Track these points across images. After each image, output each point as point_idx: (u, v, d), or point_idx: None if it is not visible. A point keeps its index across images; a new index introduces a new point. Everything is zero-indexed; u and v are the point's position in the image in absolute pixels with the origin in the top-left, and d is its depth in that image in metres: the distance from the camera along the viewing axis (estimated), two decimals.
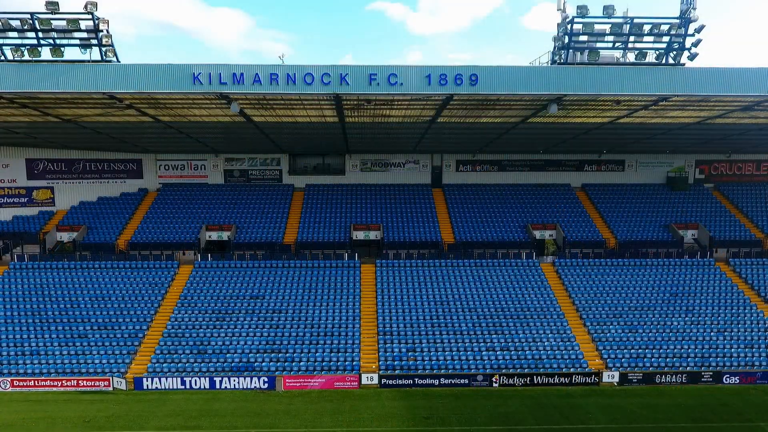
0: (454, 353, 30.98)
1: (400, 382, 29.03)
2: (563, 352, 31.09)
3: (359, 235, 42.79)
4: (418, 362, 30.37)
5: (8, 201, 45.39)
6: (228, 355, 30.97)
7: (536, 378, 29.09)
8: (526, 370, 29.91)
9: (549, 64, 30.48)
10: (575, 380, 29.08)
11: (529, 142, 43.22)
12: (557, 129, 36.76)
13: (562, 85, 27.23)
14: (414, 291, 36.28)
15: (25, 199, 45.85)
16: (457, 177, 49.39)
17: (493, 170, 49.37)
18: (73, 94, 27.66)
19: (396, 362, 30.37)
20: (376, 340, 32.34)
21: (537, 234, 42.54)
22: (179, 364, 30.28)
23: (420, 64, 26.84)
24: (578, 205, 46.41)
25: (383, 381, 29.05)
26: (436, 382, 29.01)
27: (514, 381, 29.08)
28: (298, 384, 28.83)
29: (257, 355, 31.02)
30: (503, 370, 29.85)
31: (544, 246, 44.34)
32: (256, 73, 26.65)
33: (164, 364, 30.30)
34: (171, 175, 49.15)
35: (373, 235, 43.05)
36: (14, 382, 28.93)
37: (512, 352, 31.14)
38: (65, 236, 43.09)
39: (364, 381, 29.03)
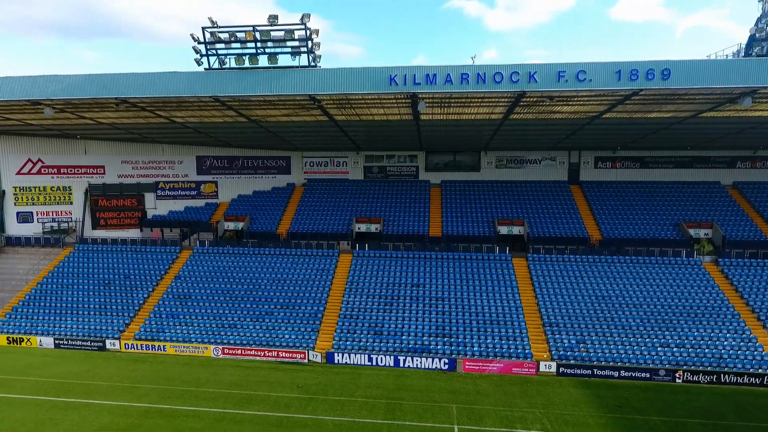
0: (627, 347, 31.15)
1: (578, 371, 29.74)
2: (746, 352, 30.21)
3: (503, 229, 43.78)
4: (591, 354, 30.89)
5: (181, 193, 51.26)
6: (404, 337, 33.26)
7: (723, 376, 28.58)
8: (708, 368, 29.47)
9: (739, 57, 29.80)
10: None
11: (683, 138, 42.02)
12: (729, 123, 35.60)
13: (762, 78, 26.62)
14: (571, 285, 36.71)
15: (195, 192, 51.53)
16: (595, 174, 48.94)
17: (635, 167, 48.38)
18: (280, 97, 31.19)
19: (568, 353, 31.10)
20: (543, 331, 33.24)
21: (692, 232, 41.23)
22: (361, 343, 32.99)
23: (610, 60, 27.37)
24: (732, 204, 44.34)
25: (561, 369, 29.91)
26: (616, 374, 29.39)
27: (698, 378, 28.79)
28: (477, 367, 30.43)
29: (430, 338, 33.05)
30: (684, 367, 29.61)
31: (695, 245, 42.84)
32: (448, 74, 28.58)
33: (347, 342, 33.15)
34: (315, 171, 52.98)
35: (516, 230, 43.88)
36: (224, 350, 33.04)
37: (689, 350, 30.74)
38: (232, 225, 48.02)
39: (542, 369, 30.06)
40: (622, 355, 30.65)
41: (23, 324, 37.05)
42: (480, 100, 30.91)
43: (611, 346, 31.34)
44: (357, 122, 37.61)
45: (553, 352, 31.26)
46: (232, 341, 33.77)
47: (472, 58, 29.35)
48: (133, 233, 49.75)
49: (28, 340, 35.49)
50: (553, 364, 30.13)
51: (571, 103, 31.27)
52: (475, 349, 31.91)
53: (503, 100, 30.81)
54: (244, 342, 33.66)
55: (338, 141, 46.62)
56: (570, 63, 27.60)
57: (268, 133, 42.70)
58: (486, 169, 50.36)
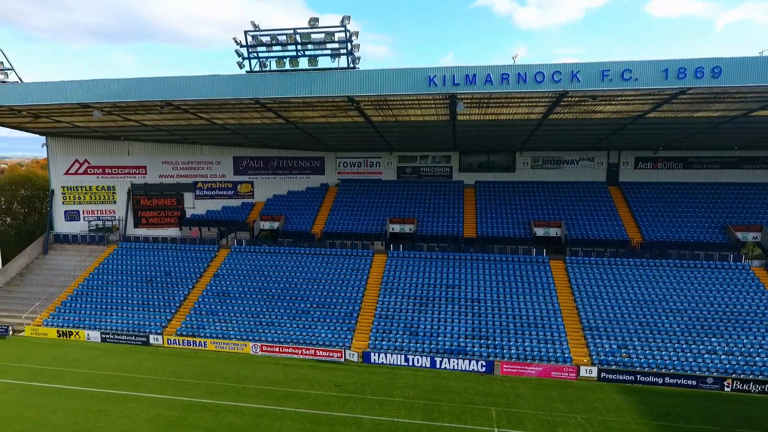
0: (671, 354, 30.23)
1: (620, 377, 29.04)
2: None
3: (539, 231, 43.12)
4: (633, 360, 30.13)
5: (219, 193, 52.45)
6: (440, 338, 33.17)
7: None
8: (759, 377, 28.33)
9: None
10: None
11: (730, 137, 40.50)
12: None
13: None
14: (612, 289, 35.87)
15: (232, 191, 52.63)
16: (635, 175, 47.68)
17: (677, 167, 46.91)
18: (319, 98, 31.55)
19: (609, 358, 30.40)
20: (582, 335, 32.60)
21: (739, 235, 39.66)
22: (397, 343, 33.07)
23: (656, 59, 26.71)
24: None
25: (602, 375, 29.27)
26: (660, 381, 28.56)
27: (749, 387, 27.70)
28: (515, 370, 30.10)
29: (466, 340, 32.85)
30: (733, 375, 28.55)
31: (742, 249, 41.22)
32: (488, 74, 28.35)
33: (383, 342, 33.28)
34: (348, 172, 53.33)
35: (553, 231, 43.16)
36: (263, 347, 33.66)
37: (738, 357, 29.60)
38: (267, 225, 48.85)
39: (582, 373, 29.50)
40: (667, 362, 29.76)
41: (72, 318, 38.62)
42: (519, 100, 30.55)
43: (655, 352, 30.47)
44: (393, 123, 37.71)
45: (593, 357, 30.61)
46: (270, 339, 34.36)
47: (513, 57, 29.05)
48: (173, 232, 51.18)
49: (77, 333, 36.97)
50: (594, 369, 29.51)
51: (614, 102, 30.57)
52: (512, 351, 31.55)
53: (544, 100, 30.36)
54: (282, 340, 34.21)
55: (372, 141, 46.85)
56: (614, 62, 27.01)
57: (304, 134, 43.24)
58: (521, 169, 49.69)
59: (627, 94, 28.68)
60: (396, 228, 45.95)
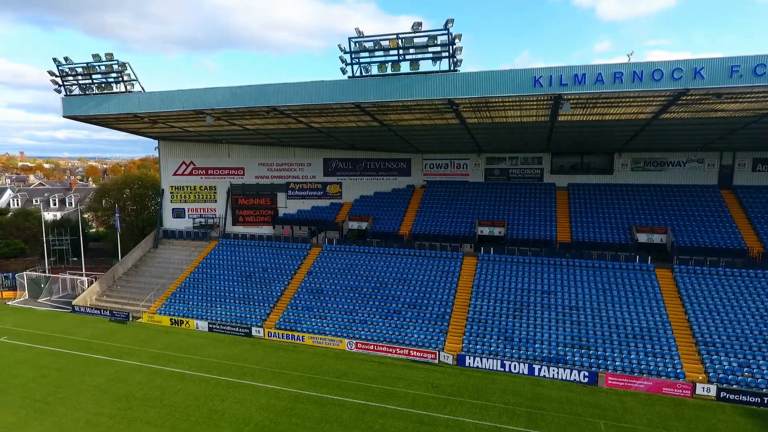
0: None
1: (743, 398, 26.66)
2: None
3: (642, 237, 40.65)
4: (758, 380, 27.53)
5: (309, 194, 54.59)
6: (536, 345, 32.28)
7: None
8: None
9: None
10: None
11: None
12: None
13: None
14: (729, 302, 33.01)
15: (321, 192, 54.57)
16: (753, 178, 43.57)
17: None
18: (418, 102, 31.85)
19: (730, 376, 28.00)
20: (696, 350, 30.28)
21: None
22: (492, 348, 32.60)
23: None
24: None
25: (722, 394, 27.01)
26: None
27: None
28: (621, 383, 28.58)
29: (565, 348, 31.69)
30: None
31: None
32: (599, 73, 27.19)
33: (477, 346, 32.93)
34: (434, 173, 53.38)
35: (657, 238, 40.51)
36: (357, 344, 34.56)
37: None
38: (356, 224, 50.09)
39: (698, 391, 27.42)
40: None
41: (181, 308, 41.89)
42: (631, 99, 28.98)
43: None
44: (486, 124, 37.23)
45: (711, 374, 28.32)
46: (364, 336, 35.20)
47: (628, 55, 27.61)
48: (266, 230, 53.98)
49: (187, 322, 40.04)
50: (713, 387, 27.29)
51: (740, 100, 28.10)
52: (617, 363, 29.98)
53: (659, 99, 28.58)
54: (375, 338, 34.92)
55: (461, 143, 46.53)
56: (745, 56, 24.91)
57: (395, 136, 43.87)
58: (620, 171, 47.10)
59: (758, 91, 26.28)
60: (485, 230, 45.30)
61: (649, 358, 29.94)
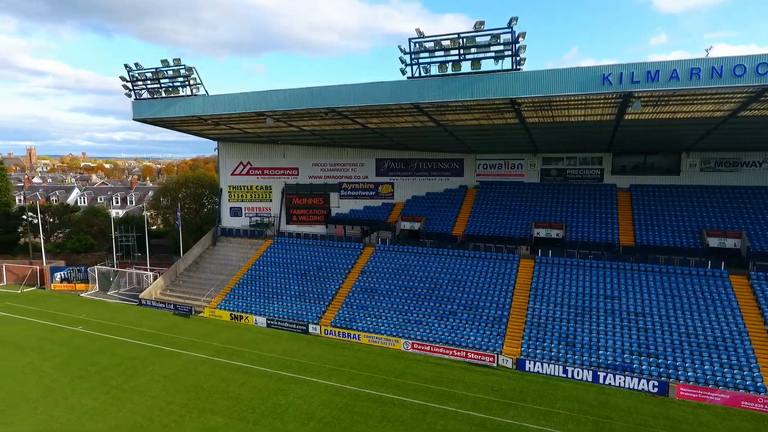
0: None
1: None
2: None
3: (713, 241, 38.51)
4: None
5: (362, 194, 55.04)
6: (600, 352, 31.19)
7: None
8: None
9: None
10: None
11: None
12: None
13: None
14: None
15: (373, 192, 54.90)
16: None
17: None
18: (478, 101, 31.44)
19: None
20: None
21: None
22: (552, 353, 31.77)
23: None
24: None
25: None
26: None
27: None
28: (695, 395, 27.14)
29: (632, 356, 30.43)
30: None
31: None
32: (674, 69, 25.96)
33: (537, 351, 32.17)
34: (488, 174, 52.57)
35: (730, 242, 38.27)
36: (414, 345, 34.54)
37: None
38: (408, 225, 50.09)
39: None
40: None
41: (240, 303, 43.24)
42: (708, 97, 27.48)
43: None
44: (547, 124, 36.30)
45: None
46: (419, 337, 35.13)
47: (706, 50, 26.20)
48: (319, 229, 54.87)
49: (246, 318, 41.28)
50: None
51: None
52: (689, 374, 28.50)
53: (739, 95, 26.96)
54: (431, 339, 34.77)
55: (518, 143, 45.60)
56: None
57: (449, 137, 43.52)
58: (687, 171, 44.78)
59: None
60: (542, 232, 44.24)
61: (725, 370, 28.29)
